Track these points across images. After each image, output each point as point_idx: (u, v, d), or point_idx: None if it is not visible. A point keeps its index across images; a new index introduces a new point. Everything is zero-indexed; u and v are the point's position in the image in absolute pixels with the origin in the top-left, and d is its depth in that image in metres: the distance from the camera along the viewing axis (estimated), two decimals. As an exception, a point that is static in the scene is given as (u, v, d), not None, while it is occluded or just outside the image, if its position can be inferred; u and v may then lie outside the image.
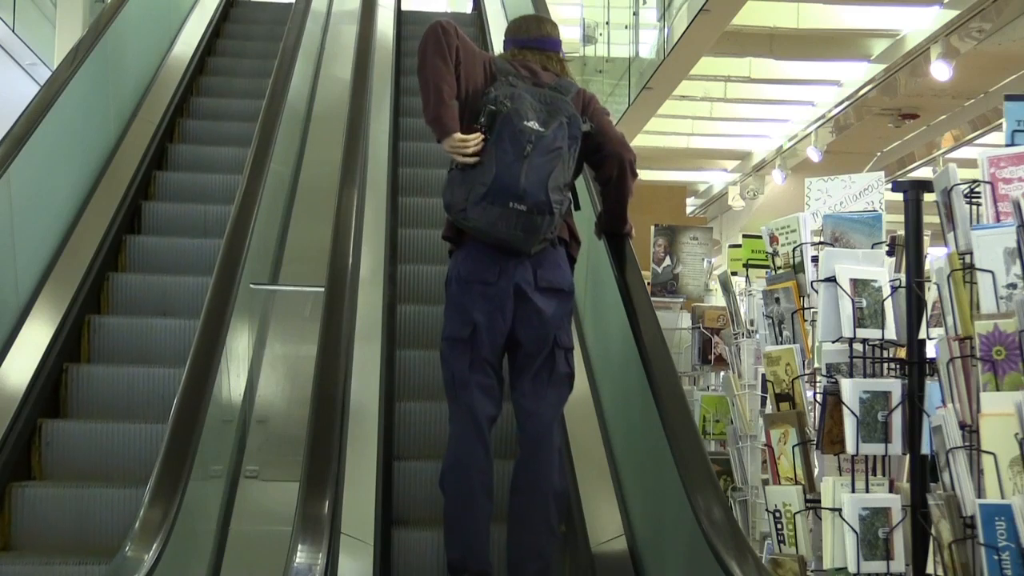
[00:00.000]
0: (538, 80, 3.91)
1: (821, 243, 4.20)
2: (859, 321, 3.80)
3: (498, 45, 4.92)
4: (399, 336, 5.04)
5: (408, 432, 4.55)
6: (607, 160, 4.00)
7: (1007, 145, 3.49)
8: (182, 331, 4.90)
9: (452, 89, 3.73)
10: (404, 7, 8.43)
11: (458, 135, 3.71)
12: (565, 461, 4.11)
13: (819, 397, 3.98)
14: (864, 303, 3.81)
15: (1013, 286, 3.26)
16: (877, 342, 3.88)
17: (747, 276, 5.69)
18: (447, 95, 3.71)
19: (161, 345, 4.93)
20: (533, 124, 3.74)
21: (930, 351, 3.80)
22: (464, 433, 3.74)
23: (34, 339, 4.55)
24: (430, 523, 4.04)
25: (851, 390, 3.75)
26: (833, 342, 3.89)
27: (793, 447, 4.06)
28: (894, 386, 3.79)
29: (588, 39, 15.50)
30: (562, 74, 4.02)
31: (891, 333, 3.85)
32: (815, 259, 4.24)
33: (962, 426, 3.32)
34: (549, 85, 3.90)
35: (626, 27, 14.74)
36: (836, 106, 13.82)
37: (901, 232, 4.00)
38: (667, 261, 8.34)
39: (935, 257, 3.62)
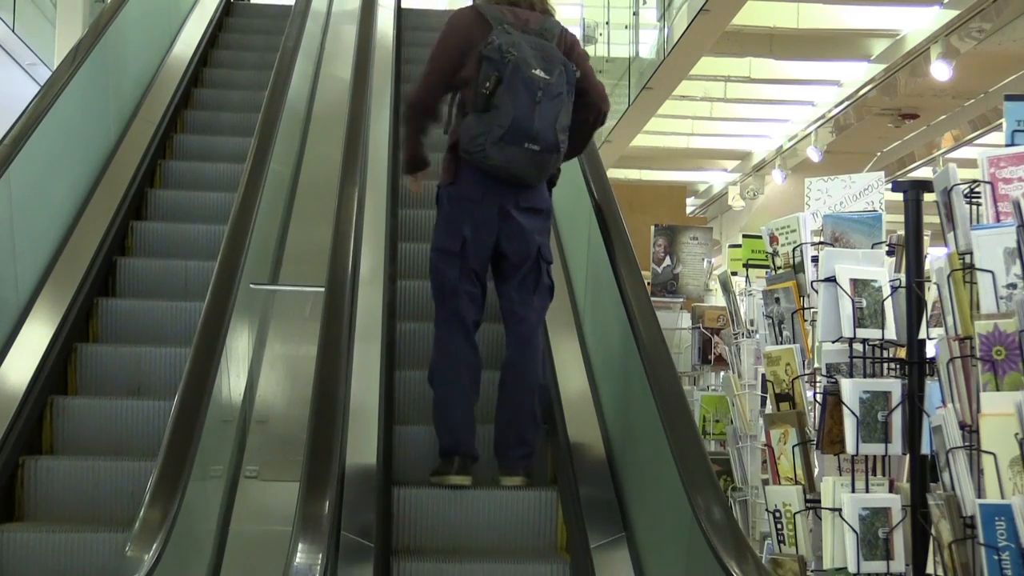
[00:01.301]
0: (527, 26, 4.22)
1: (821, 243, 4.20)
2: (859, 321, 3.80)
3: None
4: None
5: (409, 348, 4.96)
6: (588, 107, 4.34)
7: (1007, 145, 3.49)
8: (157, 414, 4.36)
9: (420, 144, 4.41)
10: (404, 6, 8.44)
11: (410, 178, 4.51)
12: (546, 361, 4.60)
13: (819, 397, 3.98)
14: (864, 303, 3.81)
15: (1013, 286, 3.26)
16: (877, 342, 3.88)
17: (747, 276, 5.69)
18: (417, 149, 4.41)
19: (132, 432, 4.40)
20: (539, 72, 4.11)
21: (930, 351, 3.80)
22: (453, 334, 4.21)
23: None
24: (425, 421, 4.37)
25: (851, 390, 3.75)
26: (833, 342, 3.89)
27: (793, 447, 4.06)
28: (894, 386, 3.79)
29: (588, 39, 15.50)
30: (541, 9, 4.32)
31: (891, 333, 3.85)
32: (815, 259, 4.24)
33: (962, 426, 3.32)
34: (535, 31, 4.22)
35: (626, 27, 14.75)
36: (836, 106, 13.82)
37: (901, 232, 4.00)
38: (667, 261, 8.35)
39: (935, 257, 3.61)
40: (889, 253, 4.18)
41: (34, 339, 4.52)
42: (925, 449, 3.74)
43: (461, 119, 4.20)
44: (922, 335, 3.85)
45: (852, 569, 3.70)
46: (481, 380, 4.26)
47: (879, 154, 15.50)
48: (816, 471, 4.07)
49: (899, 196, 3.88)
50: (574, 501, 4.08)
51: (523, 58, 4.08)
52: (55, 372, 4.56)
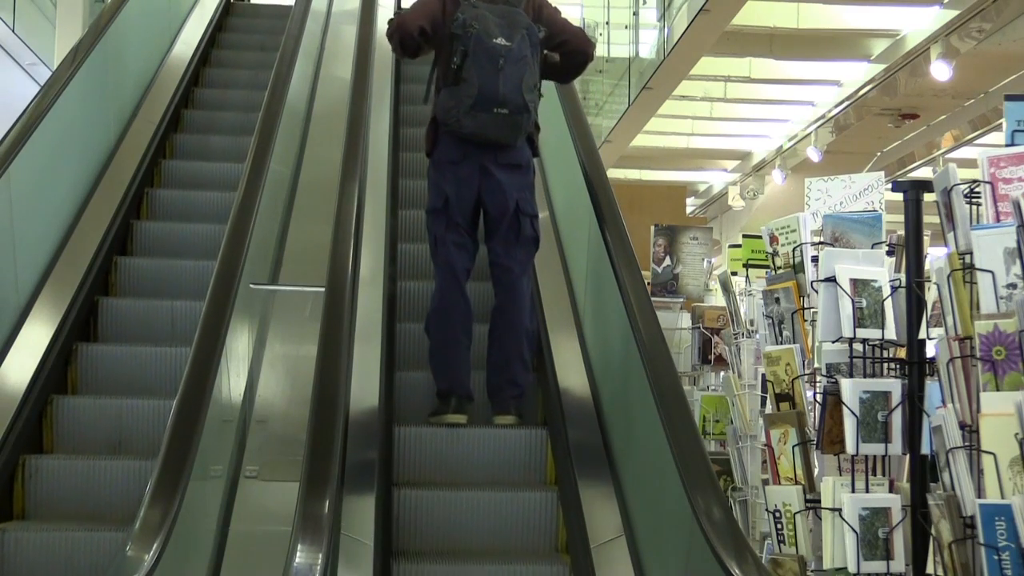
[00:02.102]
0: None
1: (821, 243, 4.20)
2: (859, 321, 3.80)
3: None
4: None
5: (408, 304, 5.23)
6: (573, 55, 4.76)
7: (1007, 145, 3.49)
8: (138, 475, 4.05)
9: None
10: (404, 6, 8.42)
11: None
12: (535, 307, 4.96)
13: (819, 397, 3.98)
14: (864, 303, 3.81)
15: (1013, 286, 3.26)
16: (877, 342, 3.88)
17: (747, 276, 5.69)
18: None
19: (111, 494, 4.07)
20: (501, 40, 4.44)
21: (930, 351, 3.80)
22: (445, 283, 4.57)
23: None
24: (424, 368, 4.71)
25: (851, 390, 3.75)
26: (833, 342, 3.89)
27: (793, 447, 4.06)
28: (894, 386, 3.79)
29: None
30: None
31: (891, 333, 3.85)
32: (815, 259, 4.24)
33: (962, 426, 3.32)
34: (502, 0, 4.55)
35: (626, 27, 14.74)
36: (836, 106, 13.81)
37: (901, 232, 4.00)
38: (667, 261, 8.36)
39: (935, 257, 3.62)
40: (889, 253, 4.18)
41: (7, 389, 4.26)
42: (925, 449, 3.74)
43: (438, 94, 4.57)
44: (922, 335, 3.85)
45: (852, 569, 3.70)
46: (473, 328, 4.58)
47: (879, 154, 15.50)
48: (816, 471, 4.07)
49: (899, 196, 3.88)
50: (563, 443, 4.31)
51: (485, 29, 4.43)
52: (30, 426, 4.28)
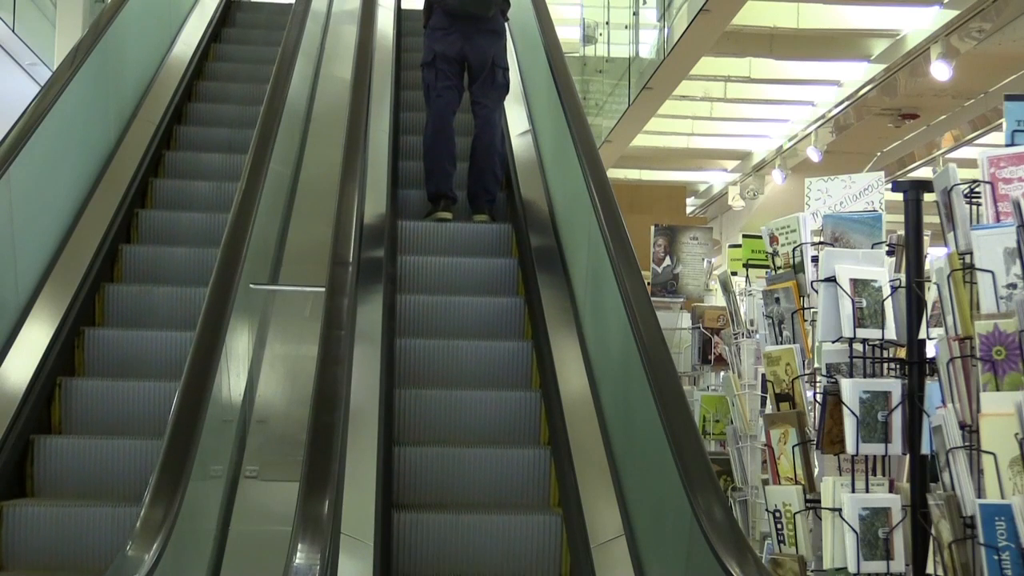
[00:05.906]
0: None
1: (821, 243, 4.20)
2: (859, 321, 3.80)
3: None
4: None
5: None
6: None
7: (1007, 145, 3.49)
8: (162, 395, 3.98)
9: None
10: (404, 6, 8.42)
11: None
12: (504, 138, 6.57)
13: (819, 397, 3.97)
14: (864, 303, 3.81)
15: (1013, 286, 3.26)
16: (877, 342, 3.87)
17: (747, 276, 5.69)
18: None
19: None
20: None
21: (930, 351, 3.80)
22: (436, 115, 6.19)
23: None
24: (419, 185, 6.35)
25: (851, 390, 3.75)
26: (833, 342, 3.89)
27: (793, 447, 4.05)
28: (894, 386, 3.79)
29: (588, 39, 15.49)
30: None
31: (891, 333, 3.85)
32: (815, 259, 4.23)
33: (962, 426, 3.32)
34: None
35: (626, 27, 14.73)
36: (836, 106, 13.80)
37: (901, 232, 4.00)
38: (667, 261, 8.36)
39: (935, 257, 3.61)
40: (889, 253, 4.18)
41: (8, 390, 4.17)
42: (925, 449, 3.74)
43: None
44: (922, 335, 3.84)
45: (852, 569, 3.70)
46: (456, 151, 6.17)
47: (879, 154, 15.49)
48: (816, 471, 4.06)
49: (899, 196, 3.87)
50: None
51: None
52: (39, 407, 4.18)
